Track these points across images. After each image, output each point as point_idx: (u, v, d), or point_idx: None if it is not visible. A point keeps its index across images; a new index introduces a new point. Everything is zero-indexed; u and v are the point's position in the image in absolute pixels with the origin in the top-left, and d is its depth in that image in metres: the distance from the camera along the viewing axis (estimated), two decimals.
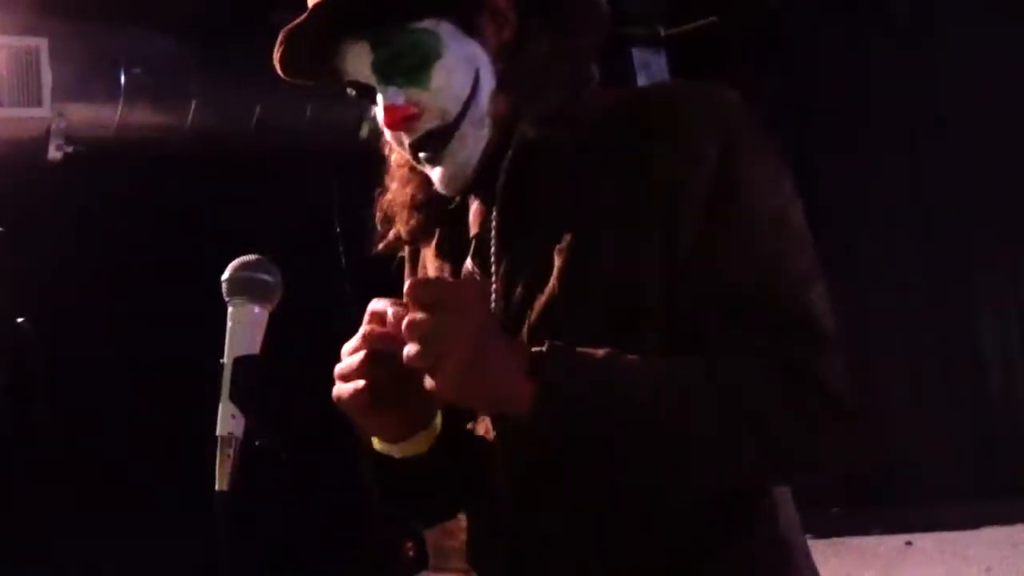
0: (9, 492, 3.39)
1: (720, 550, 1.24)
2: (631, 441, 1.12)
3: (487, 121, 1.29)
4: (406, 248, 1.48)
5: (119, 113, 3.82)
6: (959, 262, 5.31)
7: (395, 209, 1.41)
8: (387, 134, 1.35)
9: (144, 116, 3.96)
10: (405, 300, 1.12)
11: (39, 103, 3.61)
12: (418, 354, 1.08)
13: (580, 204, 1.26)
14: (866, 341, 5.49)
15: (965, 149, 5.19)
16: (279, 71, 1.33)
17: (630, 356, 1.15)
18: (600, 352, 1.14)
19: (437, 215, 1.39)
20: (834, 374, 1.15)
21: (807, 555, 1.35)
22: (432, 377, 1.09)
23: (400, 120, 1.27)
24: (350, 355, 1.19)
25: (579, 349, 1.14)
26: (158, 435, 3.72)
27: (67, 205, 3.66)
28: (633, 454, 1.13)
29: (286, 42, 1.30)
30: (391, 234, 1.43)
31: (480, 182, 1.31)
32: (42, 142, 3.67)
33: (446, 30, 1.27)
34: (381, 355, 1.16)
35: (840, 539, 4.91)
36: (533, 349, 1.13)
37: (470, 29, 1.28)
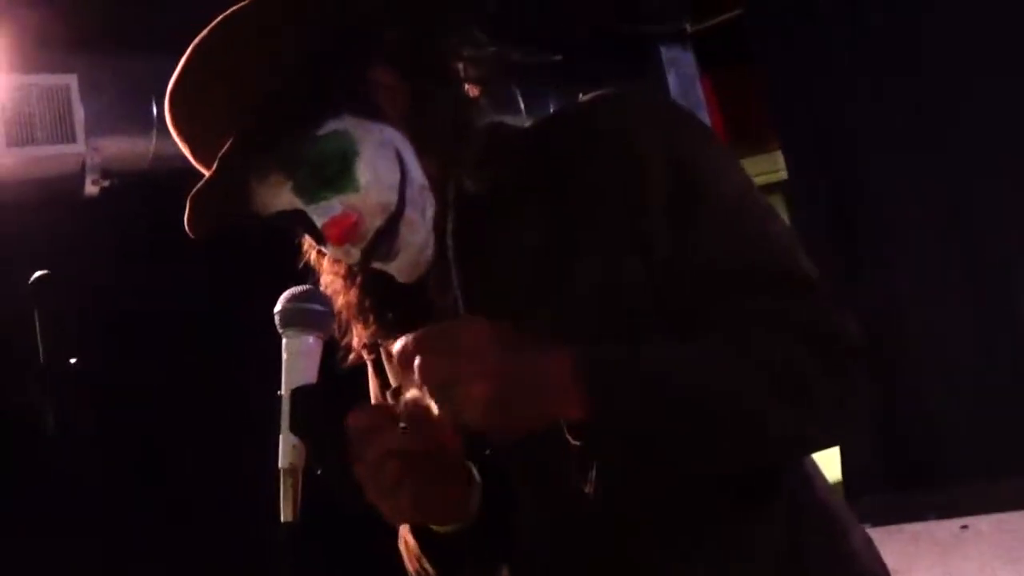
0: (62, 533, 3.39)
1: (765, 515, 1.24)
2: (685, 428, 1.10)
3: (427, 194, 1.26)
4: (368, 357, 1.44)
5: (153, 144, 3.83)
6: (996, 233, 5.26)
7: (348, 318, 1.37)
8: (331, 251, 1.30)
9: (178, 147, 3.94)
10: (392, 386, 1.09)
11: (72, 139, 3.61)
12: (440, 401, 1.04)
13: (539, 241, 1.24)
14: (907, 319, 5.45)
15: (999, 118, 5.14)
16: (190, 234, 1.29)
17: (659, 347, 1.14)
18: (629, 349, 1.11)
19: (395, 312, 1.35)
20: (845, 321, 1.17)
21: (854, 521, 1.33)
22: (465, 416, 1.04)
23: (351, 228, 1.23)
24: (378, 470, 1.14)
25: (606, 354, 1.09)
26: (214, 470, 3.71)
27: (107, 240, 3.67)
28: (686, 442, 1.11)
29: (196, 207, 1.27)
30: (355, 345, 1.39)
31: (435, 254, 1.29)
32: (78, 178, 3.68)
33: (351, 124, 1.23)
34: (408, 459, 1.13)
35: (894, 526, 4.88)
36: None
37: (370, 113, 1.24)
